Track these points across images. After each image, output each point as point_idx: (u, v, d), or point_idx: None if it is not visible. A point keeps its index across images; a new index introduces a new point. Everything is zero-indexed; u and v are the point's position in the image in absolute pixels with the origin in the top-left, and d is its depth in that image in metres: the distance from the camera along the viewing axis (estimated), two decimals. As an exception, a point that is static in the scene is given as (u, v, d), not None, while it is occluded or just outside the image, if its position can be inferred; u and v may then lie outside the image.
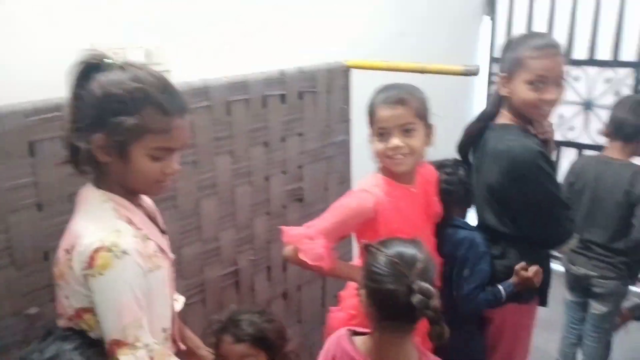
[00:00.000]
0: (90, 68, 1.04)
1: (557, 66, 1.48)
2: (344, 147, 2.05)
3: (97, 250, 0.98)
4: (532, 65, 1.47)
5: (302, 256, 1.33)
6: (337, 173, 2.04)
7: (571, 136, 3.11)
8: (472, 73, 1.66)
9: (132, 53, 1.51)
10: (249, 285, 1.79)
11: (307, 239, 1.34)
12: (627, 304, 2.21)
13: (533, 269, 1.53)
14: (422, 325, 1.50)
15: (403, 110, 1.37)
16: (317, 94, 1.86)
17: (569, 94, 3.06)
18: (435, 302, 1.03)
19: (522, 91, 1.50)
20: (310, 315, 2.01)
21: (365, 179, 1.48)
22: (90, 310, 1.02)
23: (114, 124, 1.00)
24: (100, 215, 1.04)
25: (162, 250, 1.14)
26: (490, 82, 3.26)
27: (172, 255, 1.20)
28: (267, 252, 1.83)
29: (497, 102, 1.60)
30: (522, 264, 1.54)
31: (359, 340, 1.18)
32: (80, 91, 1.04)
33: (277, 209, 1.83)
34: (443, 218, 1.59)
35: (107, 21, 1.48)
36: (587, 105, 3.03)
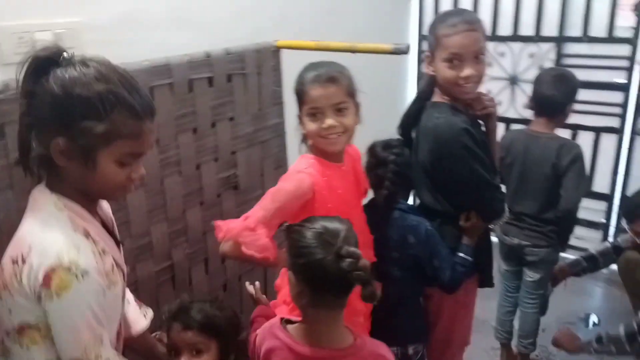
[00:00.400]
0: (46, 63, 0.93)
1: (472, 43, 1.46)
2: (279, 131, 1.99)
3: (53, 269, 0.89)
4: (447, 44, 1.46)
5: (245, 250, 1.27)
6: (273, 157, 1.99)
7: (499, 111, 3.19)
8: (401, 52, 1.65)
9: (40, 35, 1.38)
10: (185, 280, 1.72)
11: (247, 231, 1.28)
12: (567, 260, 2.32)
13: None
14: (364, 306, 1.51)
15: (335, 89, 1.35)
16: (247, 76, 1.79)
17: (495, 70, 3.15)
18: (364, 262, 1.05)
19: (442, 69, 1.49)
20: (252, 305, 1.95)
21: (297, 162, 1.44)
22: (36, 327, 0.94)
23: (79, 129, 0.91)
24: (54, 225, 0.95)
25: (117, 264, 1.05)
26: (420, 61, 3.29)
27: (125, 268, 1.12)
28: (203, 243, 1.75)
29: (430, 81, 1.59)
30: (462, 216, 1.56)
31: (291, 328, 1.17)
32: (35, 88, 0.93)
33: (211, 198, 1.75)
34: (388, 200, 1.58)
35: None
36: (513, 80, 3.13)
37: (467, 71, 1.47)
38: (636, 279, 2.11)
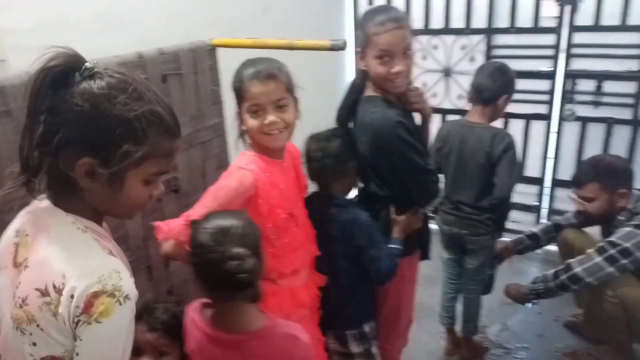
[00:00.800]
0: (65, 74, 0.85)
1: (400, 40, 1.51)
2: (219, 130, 1.96)
3: (96, 295, 0.83)
4: (376, 41, 1.51)
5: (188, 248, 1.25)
6: (214, 158, 1.95)
7: (435, 102, 3.29)
8: (339, 47, 1.66)
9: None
10: (129, 289, 1.66)
11: (189, 230, 1.25)
12: (513, 238, 2.43)
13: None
14: (310, 299, 1.53)
15: (275, 85, 1.36)
16: (183, 76, 1.74)
17: (429, 63, 3.23)
18: (249, 264, 1.07)
19: (373, 66, 1.55)
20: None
21: (237, 159, 1.44)
22: (61, 358, 0.86)
23: (115, 152, 0.85)
24: (84, 249, 0.88)
25: None
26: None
27: None
28: (145, 250, 1.70)
29: (363, 75, 1.63)
30: (392, 209, 1.64)
31: (206, 311, 1.21)
32: (54, 103, 0.85)
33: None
34: (323, 195, 1.60)
35: None
36: (447, 72, 3.22)
37: (397, 67, 1.52)
38: (574, 254, 2.23)
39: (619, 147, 2.84)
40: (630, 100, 2.76)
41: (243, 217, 1.16)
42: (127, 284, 0.87)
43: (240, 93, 1.38)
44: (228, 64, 1.93)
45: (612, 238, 1.97)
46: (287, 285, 1.50)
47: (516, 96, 2.79)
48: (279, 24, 2.44)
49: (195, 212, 1.29)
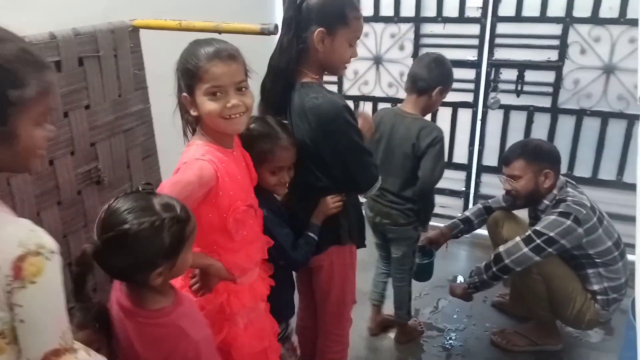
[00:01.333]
0: None
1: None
2: (144, 117, 1.85)
3: (21, 259, 0.83)
4: (354, 26, 1.58)
5: None
6: (140, 147, 1.85)
7: (366, 90, 3.31)
8: (269, 32, 1.61)
9: None
10: (47, 288, 1.54)
11: None
12: (447, 224, 2.48)
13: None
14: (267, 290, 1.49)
15: (237, 66, 1.29)
16: (102, 58, 1.63)
17: (360, 50, 3.23)
18: (77, 258, 1.11)
19: (341, 49, 1.57)
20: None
21: (188, 150, 1.34)
22: (1, 334, 0.86)
23: (2, 105, 0.85)
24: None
25: None
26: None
27: None
28: (65, 246, 1.58)
29: (293, 60, 1.56)
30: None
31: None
32: None
33: (70, 196, 1.58)
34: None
35: None
36: (377, 60, 3.24)
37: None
38: (502, 236, 2.32)
39: (540, 134, 2.98)
40: (549, 89, 2.89)
41: (121, 199, 1.12)
42: (47, 238, 0.87)
43: (196, 73, 1.28)
44: (151, 47, 1.83)
45: (538, 227, 2.06)
46: (247, 281, 1.45)
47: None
48: (206, 6, 2.34)
49: None
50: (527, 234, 2.07)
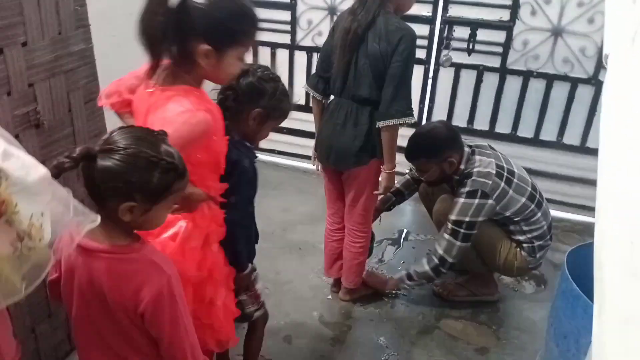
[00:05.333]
0: None
1: None
2: (87, 58, 1.74)
3: None
4: None
5: None
6: (82, 89, 1.74)
7: (319, 41, 3.24)
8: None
9: None
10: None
11: None
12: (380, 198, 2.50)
13: None
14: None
15: None
16: (40, -9, 1.50)
17: (315, 0, 3.15)
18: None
19: None
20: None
21: (177, 102, 1.23)
22: None
23: None
24: None
25: None
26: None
27: None
28: (2, 193, 1.49)
29: None
30: None
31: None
32: None
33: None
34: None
35: None
36: (332, 11, 3.17)
37: None
38: (435, 204, 2.40)
39: (487, 94, 3.05)
40: (499, 49, 2.94)
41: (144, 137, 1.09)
42: None
43: (242, 38, 1.28)
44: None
45: (453, 216, 2.13)
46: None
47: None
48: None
49: None
50: (450, 227, 2.15)
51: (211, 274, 1.45)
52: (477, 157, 2.19)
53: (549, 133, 3.03)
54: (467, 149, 2.21)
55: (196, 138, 1.23)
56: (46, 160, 1.61)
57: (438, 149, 2.17)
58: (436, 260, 2.20)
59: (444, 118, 3.15)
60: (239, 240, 1.55)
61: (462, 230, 2.13)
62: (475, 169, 2.15)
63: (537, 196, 2.22)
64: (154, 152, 1.06)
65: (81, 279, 1.13)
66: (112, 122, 1.86)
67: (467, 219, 2.11)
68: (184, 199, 1.27)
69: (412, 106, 1.98)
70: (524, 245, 2.24)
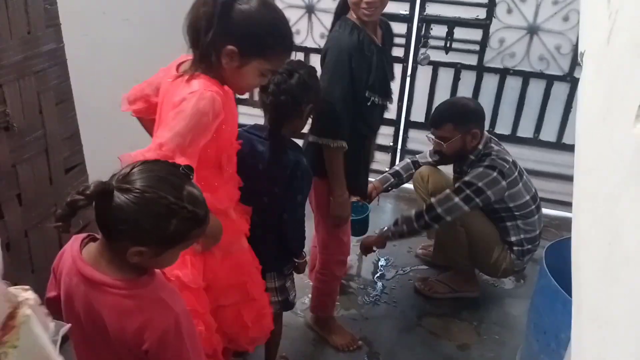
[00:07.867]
0: None
1: None
2: (58, 58, 1.69)
3: None
4: None
5: None
6: (53, 90, 1.70)
7: (297, 40, 3.23)
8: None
9: None
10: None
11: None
12: (378, 177, 2.53)
13: None
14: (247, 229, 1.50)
15: None
16: (8, -11, 1.45)
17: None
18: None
19: None
20: (46, 261, 1.71)
21: (190, 85, 1.23)
22: None
23: None
24: None
25: None
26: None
27: None
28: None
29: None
30: None
31: (91, 245, 1.09)
32: None
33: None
34: (267, 130, 1.57)
35: None
36: (310, 9, 3.15)
37: None
38: (428, 189, 2.41)
39: (465, 92, 3.06)
40: (476, 47, 2.96)
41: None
42: None
43: (268, 51, 1.27)
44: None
45: (467, 178, 2.14)
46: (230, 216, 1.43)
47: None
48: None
49: (168, 140, 1.14)
50: (456, 185, 2.15)
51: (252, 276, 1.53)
52: (494, 146, 2.23)
53: (525, 130, 3.06)
54: (487, 134, 2.25)
55: (203, 119, 1.19)
56: (17, 164, 1.57)
57: (467, 119, 2.19)
58: (423, 207, 2.19)
59: (423, 116, 3.16)
60: (302, 234, 1.69)
61: (468, 191, 2.11)
62: (493, 152, 2.19)
63: (538, 201, 2.28)
64: (175, 197, 0.98)
65: (81, 308, 1.06)
66: (83, 122, 1.82)
67: (480, 184, 2.11)
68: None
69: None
70: (515, 248, 2.26)
